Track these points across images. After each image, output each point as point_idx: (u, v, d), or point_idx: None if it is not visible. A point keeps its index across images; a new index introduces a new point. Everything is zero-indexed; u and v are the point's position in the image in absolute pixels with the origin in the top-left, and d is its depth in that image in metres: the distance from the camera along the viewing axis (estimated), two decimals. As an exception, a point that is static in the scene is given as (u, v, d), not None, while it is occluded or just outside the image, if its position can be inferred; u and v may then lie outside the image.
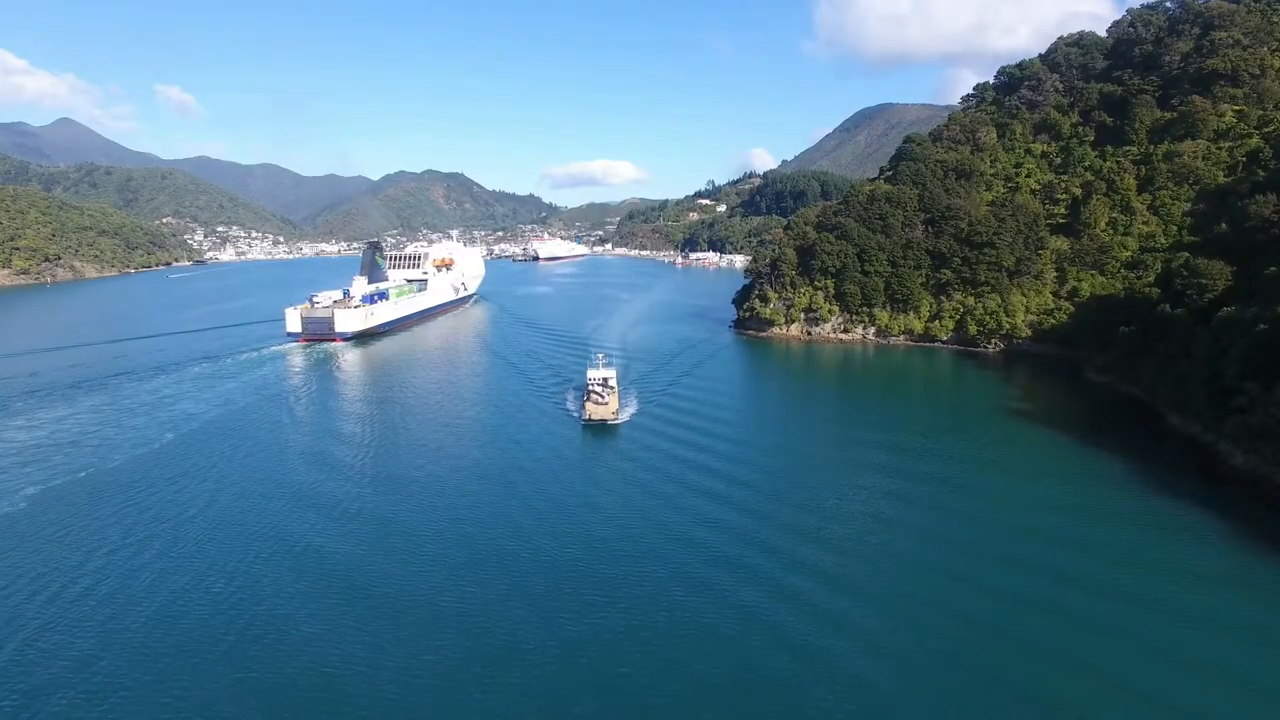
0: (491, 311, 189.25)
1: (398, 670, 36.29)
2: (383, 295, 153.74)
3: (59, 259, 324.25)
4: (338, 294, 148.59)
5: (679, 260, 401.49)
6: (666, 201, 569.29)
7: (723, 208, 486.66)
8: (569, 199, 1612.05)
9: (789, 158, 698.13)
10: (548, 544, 50.14)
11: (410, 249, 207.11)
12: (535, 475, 63.95)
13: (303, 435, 76.91)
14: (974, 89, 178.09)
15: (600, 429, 77.00)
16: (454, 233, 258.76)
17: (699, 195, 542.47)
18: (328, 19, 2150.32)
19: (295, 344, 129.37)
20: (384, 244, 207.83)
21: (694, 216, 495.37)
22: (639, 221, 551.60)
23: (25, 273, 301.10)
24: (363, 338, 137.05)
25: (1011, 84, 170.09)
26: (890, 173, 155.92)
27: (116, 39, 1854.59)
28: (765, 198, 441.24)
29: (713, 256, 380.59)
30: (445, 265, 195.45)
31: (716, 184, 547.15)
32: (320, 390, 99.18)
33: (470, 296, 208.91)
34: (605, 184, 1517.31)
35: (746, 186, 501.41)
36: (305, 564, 47.42)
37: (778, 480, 63.61)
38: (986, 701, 34.29)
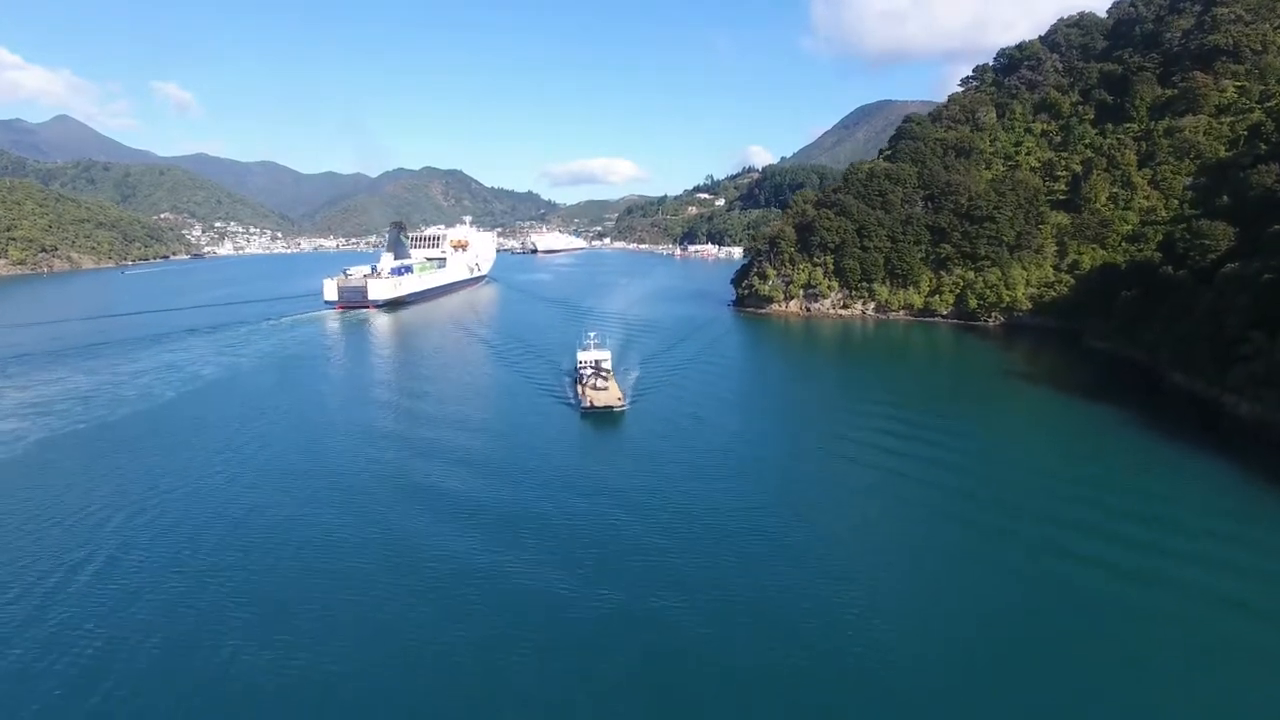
0: (501, 290, 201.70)
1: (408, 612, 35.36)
2: (408, 269, 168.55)
3: (55, 250, 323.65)
4: (366, 269, 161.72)
5: (677, 252, 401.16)
6: (665, 196, 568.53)
7: (721, 202, 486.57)
8: (568, 197, 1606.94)
9: (788, 155, 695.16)
10: (555, 529, 44.39)
11: (430, 231, 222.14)
12: (530, 481, 51.83)
13: (341, 386, 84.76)
14: (973, 71, 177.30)
15: (603, 417, 66.22)
16: (467, 219, 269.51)
17: (698, 190, 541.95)
18: (327, 17, 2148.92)
19: (332, 310, 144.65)
20: (406, 225, 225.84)
21: (693, 210, 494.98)
22: (638, 216, 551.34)
23: (21, 263, 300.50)
24: (391, 306, 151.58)
25: (1011, 65, 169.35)
26: (889, 152, 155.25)
27: (112, 34, 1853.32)
28: (764, 190, 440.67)
29: (711, 249, 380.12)
30: (461, 246, 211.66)
31: (716, 178, 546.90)
32: (356, 347, 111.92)
33: (483, 277, 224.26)
34: (604, 181, 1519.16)
35: (745, 180, 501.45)
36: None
37: (795, 462, 57.43)
38: (992, 664, 32.42)
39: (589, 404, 68.31)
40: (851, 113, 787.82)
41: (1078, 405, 71.84)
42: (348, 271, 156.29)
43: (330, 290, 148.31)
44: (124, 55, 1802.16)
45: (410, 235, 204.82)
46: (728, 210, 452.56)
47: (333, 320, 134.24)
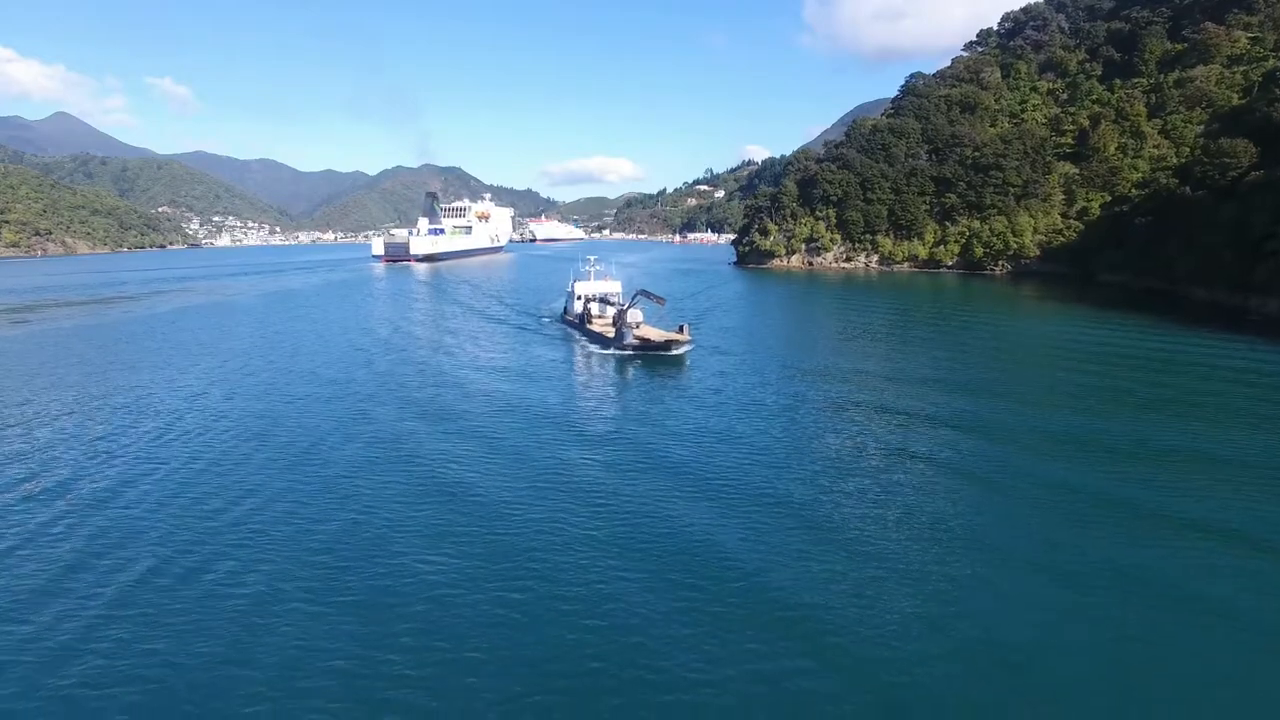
0: (516, 257, 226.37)
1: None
2: (440, 231, 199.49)
3: (50, 234, 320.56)
4: (405, 231, 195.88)
5: (675, 239, 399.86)
6: (664, 190, 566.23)
7: (721, 194, 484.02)
8: (566, 195, 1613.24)
9: (786, 153, 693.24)
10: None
11: (459, 203, 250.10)
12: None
13: (393, 300, 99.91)
14: (977, 35, 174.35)
15: (654, 358, 47.96)
16: (487, 195, 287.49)
17: (698, 183, 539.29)
18: (325, 15, 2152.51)
19: (379, 262, 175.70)
20: (439, 195, 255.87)
21: (692, 202, 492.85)
22: (637, 208, 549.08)
23: (15, 245, 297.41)
24: (428, 259, 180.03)
25: (1016, 28, 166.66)
26: (893, 111, 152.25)
27: (106, 27, 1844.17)
28: (764, 181, 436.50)
29: (710, 235, 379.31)
30: (484, 217, 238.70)
31: (715, 172, 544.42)
32: (400, 285, 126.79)
33: (501, 247, 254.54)
34: (602, 180, 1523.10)
35: (745, 172, 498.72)
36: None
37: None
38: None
39: (641, 336, 50.23)
40: (850, 111, 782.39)
41: (1092, 314, 68.65)
42: (391, 231, 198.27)
43: (378, 246, 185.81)
44: (119, 49, 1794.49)
45: (442, 206, 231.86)
46: (727, 200, 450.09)
47: (380, 268, 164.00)
